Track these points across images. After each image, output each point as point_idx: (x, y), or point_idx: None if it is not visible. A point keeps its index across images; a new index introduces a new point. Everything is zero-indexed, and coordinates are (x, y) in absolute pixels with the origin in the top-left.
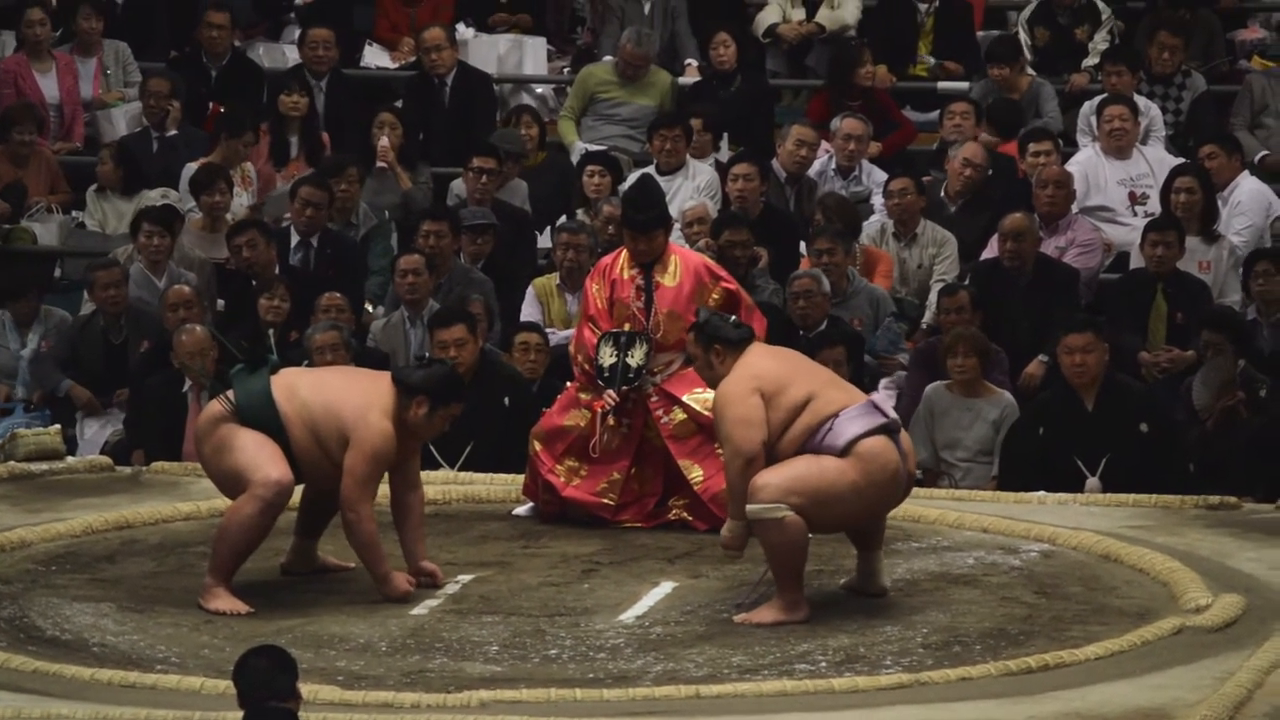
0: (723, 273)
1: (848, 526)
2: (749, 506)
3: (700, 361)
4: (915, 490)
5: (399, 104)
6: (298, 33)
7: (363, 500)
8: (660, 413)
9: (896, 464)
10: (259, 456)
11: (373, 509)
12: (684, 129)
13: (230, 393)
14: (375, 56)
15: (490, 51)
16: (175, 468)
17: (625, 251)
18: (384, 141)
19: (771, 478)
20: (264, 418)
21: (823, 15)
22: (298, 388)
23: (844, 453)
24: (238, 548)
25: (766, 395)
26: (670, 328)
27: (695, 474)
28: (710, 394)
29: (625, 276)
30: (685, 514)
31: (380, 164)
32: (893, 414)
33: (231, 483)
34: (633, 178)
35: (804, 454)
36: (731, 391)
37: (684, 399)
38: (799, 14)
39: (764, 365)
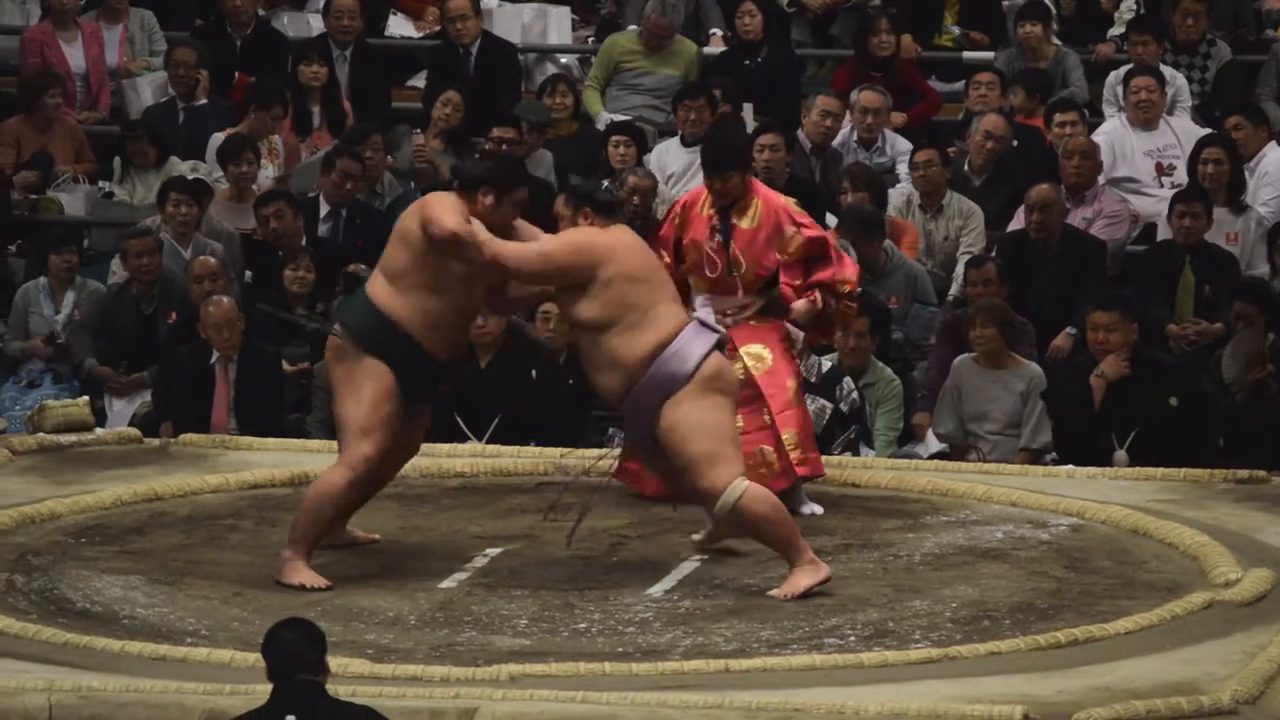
0: (805, 219)
1: None
2: (716, 510)
3: (566, 223)
4: (943, 464)
5: (424, 73)
6: (322, 1)
7: (458, 225)
8: None
9: (735, 377)
10: (370, 419)
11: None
12: (709, 100)
13: (338, 325)
14: (399, 26)
15: (515, 21)
16: (204, 440)
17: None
18: (418, 138)
19: (721, 472)
20: (377, 328)
21: None
22: (380, 278)
23: (692, 375)
24: (324, 517)
25: (599, 268)
26: (747, 268)
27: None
28: (759, 347)
29: (703, 214)
30: None
31: (420, 163)
32: (720, 329)
33: (337, 424)
34: (659, 148)
35: (652, 381)
36: (563, 237)
37: (740, 350)
38: None
39: (618, 241)
